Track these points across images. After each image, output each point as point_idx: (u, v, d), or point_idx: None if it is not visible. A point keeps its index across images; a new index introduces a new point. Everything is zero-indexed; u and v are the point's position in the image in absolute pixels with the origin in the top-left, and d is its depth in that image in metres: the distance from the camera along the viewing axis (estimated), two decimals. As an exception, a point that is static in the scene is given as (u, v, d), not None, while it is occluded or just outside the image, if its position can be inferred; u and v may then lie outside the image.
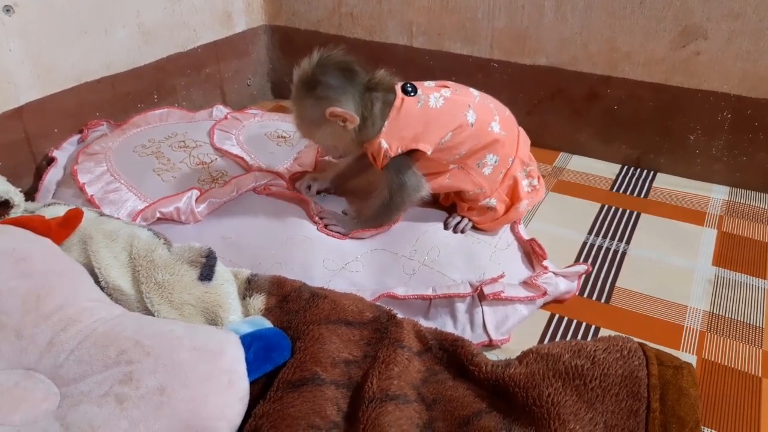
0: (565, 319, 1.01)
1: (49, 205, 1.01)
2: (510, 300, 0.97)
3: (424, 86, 1.02)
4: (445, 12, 1.52)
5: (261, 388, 0.76)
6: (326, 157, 1.22)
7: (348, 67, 0.98)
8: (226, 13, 1.63)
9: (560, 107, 1.50)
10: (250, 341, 0.77)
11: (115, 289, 0.86)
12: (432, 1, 1.52)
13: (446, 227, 1.08)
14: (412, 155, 1.00)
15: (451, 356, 0.83)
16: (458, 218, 1.09)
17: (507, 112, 1.08)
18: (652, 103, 1.39)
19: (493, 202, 1.07)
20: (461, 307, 0.96)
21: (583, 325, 1.00)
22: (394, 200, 1.02)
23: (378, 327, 0.84)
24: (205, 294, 0.85)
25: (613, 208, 1.31)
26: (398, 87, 1.00)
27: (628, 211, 1.30)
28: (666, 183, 1.41)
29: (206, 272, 0.86)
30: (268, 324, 0.82)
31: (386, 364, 0.77)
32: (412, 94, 0.99)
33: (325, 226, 1.05)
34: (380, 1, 1.58)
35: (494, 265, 1.02)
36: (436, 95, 1.00)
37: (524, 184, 1.08)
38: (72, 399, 0.71)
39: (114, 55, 1.37)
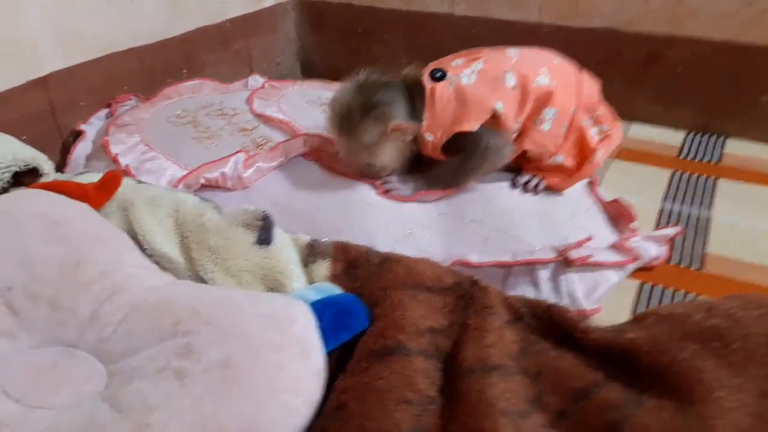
0: (656, 287, 0.90)
1: (81, 173, 0.91)
2: (599, 265, 0.86)
3: (453, 66, 0.94)
4: (490, -25, 1.42)
5: (336, 361, 0.66)
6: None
7: (385, 81, 0.93)
8: (255, -15, 1.54)
9: (617, 72, 1.38)
10: (321, 308, 0.67)
11: (161, 257, 0.76)
12: (475, -36, 1.43)
13: (514, 186, 0.97)
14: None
15: (547, 325, 0.72)
16: (527, 176, 0.98)
17: (557, 60, 0.97)
18: (720, 63, 1.29)
19: (559, 158, 0.96)
20: (544, 274, 0.86)
21: (677, 294, 0.89)
22: (472, 161, 0.92)
23: (461, 293, 0.74)
24: (263, 260, 0.75)
25: (687, 174, 1.20)
26: (426, 76, 0.93)
27: (703, 176, 1.19)
28: (738, 149, 1.30)
29: (264, 236, 0.76)
30: (338, 290, 0.72)
31: (479, 331, 0.67)
32: (442, 78, 0.92)
33: (386, 191, 0.95)
34: (418, -33, 1.49)
35: (576, 228, 0.92)
36: (468, 71, 0.92)
37: (593, 133, 0.97)
38: (122, 376, 0.61)
39: (141, 24, 1.27)
